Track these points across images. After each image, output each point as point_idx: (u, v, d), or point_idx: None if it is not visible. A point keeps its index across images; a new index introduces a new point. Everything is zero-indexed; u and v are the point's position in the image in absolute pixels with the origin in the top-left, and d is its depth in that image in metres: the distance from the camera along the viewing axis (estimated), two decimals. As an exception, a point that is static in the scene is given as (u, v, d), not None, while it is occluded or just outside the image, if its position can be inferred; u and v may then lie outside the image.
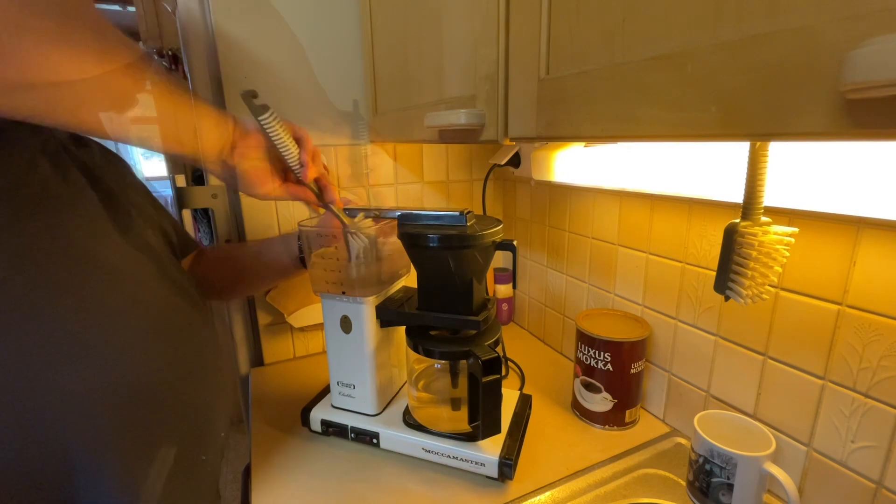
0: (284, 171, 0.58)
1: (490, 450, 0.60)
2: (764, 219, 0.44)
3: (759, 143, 0.42)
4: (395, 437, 0.64)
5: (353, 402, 0.69)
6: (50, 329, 0.39)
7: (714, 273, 0.47)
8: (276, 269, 0.73)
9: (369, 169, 0.93)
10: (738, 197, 0.46)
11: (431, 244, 0.56)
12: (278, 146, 0.49)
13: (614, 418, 0.69)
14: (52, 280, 0.40)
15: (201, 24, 0.79)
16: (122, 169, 0.57)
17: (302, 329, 0.93)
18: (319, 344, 0.96)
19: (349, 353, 0.67)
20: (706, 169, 0.53)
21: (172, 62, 1.77)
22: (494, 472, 0.59)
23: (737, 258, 0.45)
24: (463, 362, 0.62)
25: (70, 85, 0.36)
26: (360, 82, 0.88)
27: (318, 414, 0.69)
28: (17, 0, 0.31)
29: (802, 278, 0.51)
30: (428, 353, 0.61)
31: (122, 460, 0.43)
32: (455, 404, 0.65)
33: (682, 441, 0.67)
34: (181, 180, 0.87)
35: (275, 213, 0.87)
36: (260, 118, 0.45)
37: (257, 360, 0.93)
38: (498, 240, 0.58)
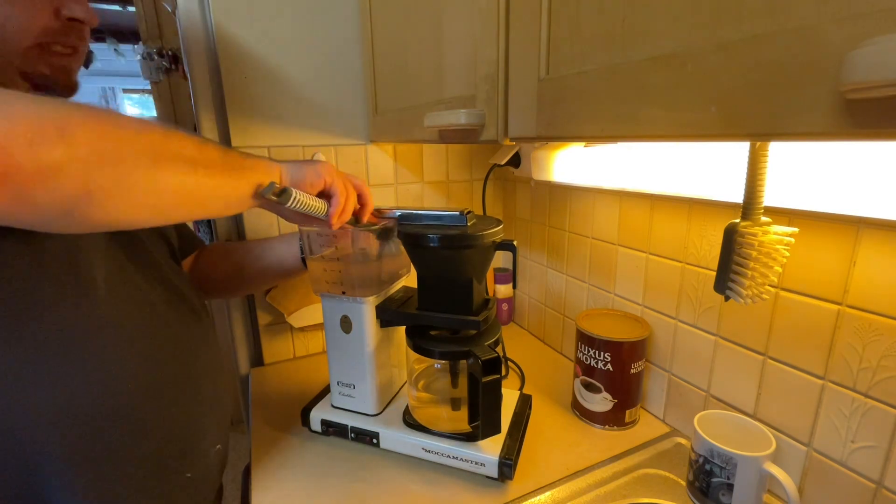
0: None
1: (490, 450, 0.60)
2: (764, 219, 0.44)
3: (759, 143, 0.42)
4: (395, 436, 0.64)
5: (353, 402, 0.69)
6: (27, 347, 0.38)
7: (714, 273, 0.47)
8: (277, 269, 0.73)
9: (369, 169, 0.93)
10: (738, 197, 0.46)
11: (432, 244, 0.56)
12: (309, 214, 0.51)
13: (614, 418, 0.69)
14: (31, 296, 0.39)
15: (201, 24, 0.79)
16: None
17: (302, 329, 0.93)
18: (319, 344, 0.96)
19: (349, 353, 0.67)
20: (706, 169, 0.53)
21: (172, 62, 1.77)
22: (494, 472, 0.59)
23: (737, 258, 0.45)
24: (463, 362, 0.62)
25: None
26: (360, 82, 0.88)
27: (318, 414, 0.69)
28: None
29: (802, 278, 0.51)
30: (428, 353, 0.61)
31: (95, 482, 0.42)
32: (455, 404, 0.65)
33: (682, 441, 0.67)
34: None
35: (275, 215, 0.87)
36: (286, 206, 0.48)
37: (257, 360, 0.93)
38: (498, 240, 0.58)
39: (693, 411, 0.60)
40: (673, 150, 0.57)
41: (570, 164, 0.74)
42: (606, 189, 0.75)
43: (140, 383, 0.45)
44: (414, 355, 0.63)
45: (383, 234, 0.63)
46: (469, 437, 0.62)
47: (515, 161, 0.93)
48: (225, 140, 0.82)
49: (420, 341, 0.62)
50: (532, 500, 0.57)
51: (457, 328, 0.62)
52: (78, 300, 0.42)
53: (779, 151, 0.45)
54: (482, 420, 0.56)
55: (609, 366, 0.67)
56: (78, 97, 0.44)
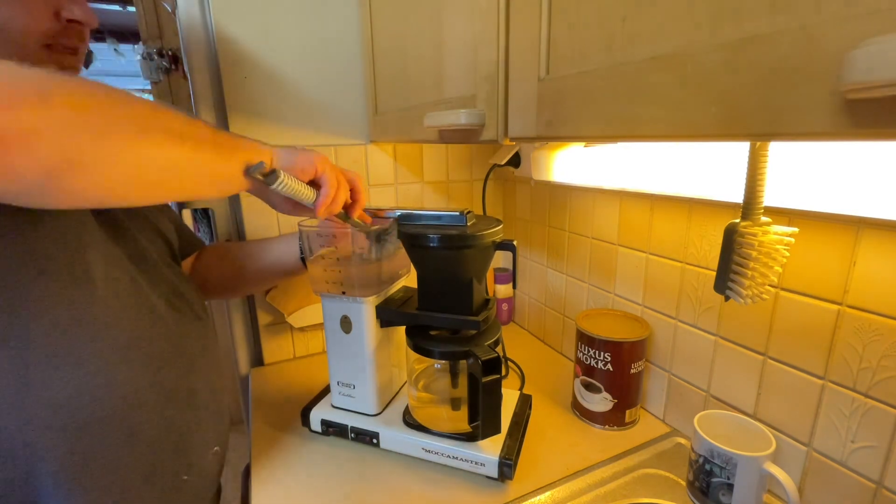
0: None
1: (490, 450, 0.60)
2: (764, 219, 0.44)
3: (759, 143, 0.42)
4: (395, 436, 0.64)
5: (353, 401, 0.69)
6: (20, 348, 0.38)
7: (714, 273, 0.47)
8: (276, 269, 0.73)
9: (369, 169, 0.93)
10: (738, 197, 0.46)
11: (431, 244, 0.56)
12: (297, 199, 0.51)
13: (614, 418, 0.69)
14: (25, 295, 0.38)
15: (201, 24, 0.79)
16: None
17: (302, 329, 0.93)
18: (319, 344, 0.96)
19: (349, 353, 0.67)
20: (706, 169, 0.53)
21: (172, 62, 1.77)
22: (494, 472, 0.59)
23: (737, 258, 0.45)
24: (463, 362, 0.62)
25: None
26: (360, 82, 0.88)
27: (318, 414, 0.69)
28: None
29: (802, 278, 0.51)
30: (428, 353, 0.61)
31: (89, 485, 0.42)
32: (455, 404, 0.65)
33: (682, 441, 0.67)
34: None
35: (275, 214, 0.87)
36: (272, 187, 0.47)
37: (257, 360, 0.93)
38: (498, 240, 0.58)
39: (693, 411, 0.60)
40: (673, 150, 0.57)
41: (570, 164, 0.74)
42: (606, 189, 0.75)
43: (138, 386, 0.45)
44: (414, 355, 0.63)
45: (376, 236, 0.62)
46: (469, 437, 0.62)
47: (515, 161, 0.93)
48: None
49: (420, 341, 0.62)
50: (532, 500, 0.57)
51: (457, 328, 0.62)
52: (74, 300, 0.41)
53: (779, 151, 0.45)
54: (482, 420, 0.56)
55: (609, 366, 0.67)
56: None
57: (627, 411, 0.69)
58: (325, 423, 0.68)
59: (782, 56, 0.22)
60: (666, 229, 0.66)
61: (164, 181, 0.38)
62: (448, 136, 0.53)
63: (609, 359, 0.67)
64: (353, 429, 0.67)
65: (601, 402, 0.69)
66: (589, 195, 0.81)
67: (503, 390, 0.66)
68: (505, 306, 1.08)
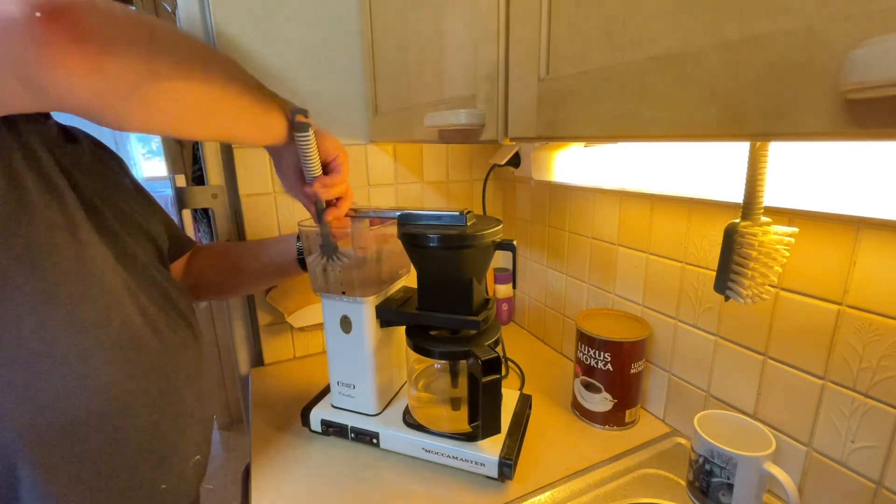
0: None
1: (490, 450, 0.60)
2: (764, 219, 0.44)
3: (759, 143, 0.42)
4: (395, 436, 0.65)
5: (353, 401, 0.69)
6: (2, 348, 0.37)
7: (714, 273, 0.47)
8: (274, 270, 0.73)
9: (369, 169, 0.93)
10: (738, 197, 0.46)
11: (431, 244, 0.56)
12: (303, 161, 0.54)
13: (614, 418, 0.69)
14: (10, 300, 0.37)
15: (201, 24, 0.79)
16: (113, 168, 0.55)
17: (302, 329, 0.93)
18: (319, 344, 0.96)
19: (349, 353, 0.67)
20: (706, 169, 0.53)
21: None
22: (494, 472, 0.59)
23: (737, 258, 0.45)
24: (463, 362, 0.62)
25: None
26: (360, 82, 0.88)
27: (318, 414, 0.69)
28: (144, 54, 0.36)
29: (802, 278, 0.51)
30: (428, 353, 0.61)
31: (67, 489, 0.42)
32: (455, 404, 0.65)
33: (682, 441, 0.67)
34: (181, 180, 0.87)
35: (275, 214, 0.87)
36: (299, 135, 0.52)
37: (257, 360, 0.93)
38: (498, 240, 0.58)
39: (693, 411, 0.60)
40: (673, 150, 0.57)
41: (570, 164, 0.74)
42: (606, 189, 0.75)
43: (122, 390, 0.44)
44: (414, 355, 0.63)
45: (328, 251, 0.61)
46: (469, 437, 0.62)
47: (515, 161, 0.93)
48: (225, 141, 0.82)
49: (420, 341, 0.62)
50: (532, 500, 0.57)
51: (457, 328, 0.62)
52: (61, 300, 0.40)
53: (779, 151, 0.45)
54: (482, 420, 0.56)
55: (609, 366, 0.67)
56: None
57: (627, 411, 0.69)
58: (325, 423, 0.68)
59: (782, 56, 0.22)
60: (666, 229, 0.66)
61: (215, 112, 0.43)
62: (448, 136, 0.53)
63: (609, 359, 0.67)
64: (353, 429, 0.67)
65: (601, 402, 0.69)
66: (589, 195, 0.81)
67: (503, 390, 0.66)
68: (505, 306, 1.08)
